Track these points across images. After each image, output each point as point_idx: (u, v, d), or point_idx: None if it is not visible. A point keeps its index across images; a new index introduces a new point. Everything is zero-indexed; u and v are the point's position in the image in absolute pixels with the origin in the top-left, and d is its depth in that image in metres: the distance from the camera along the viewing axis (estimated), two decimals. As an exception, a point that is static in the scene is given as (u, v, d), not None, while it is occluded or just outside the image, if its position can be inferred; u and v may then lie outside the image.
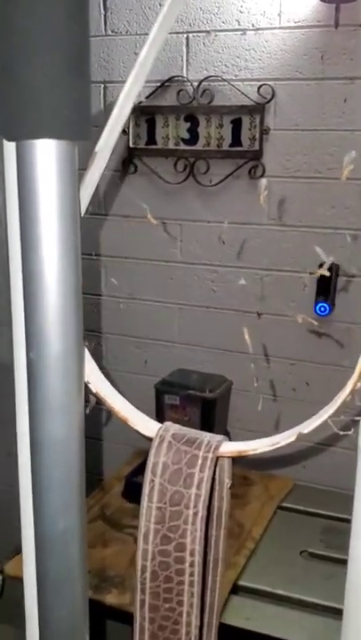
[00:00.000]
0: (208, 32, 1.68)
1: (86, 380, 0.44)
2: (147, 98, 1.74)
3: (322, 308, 1.69)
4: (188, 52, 1.71)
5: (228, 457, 0.42)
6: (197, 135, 1.73)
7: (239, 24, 1.64)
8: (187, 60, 1.71)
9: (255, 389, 1.82)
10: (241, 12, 1.64)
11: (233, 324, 1.82)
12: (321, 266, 1.59)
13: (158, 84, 1.73)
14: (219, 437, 0.43)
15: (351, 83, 1.58)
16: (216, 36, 1.67)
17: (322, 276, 1.68)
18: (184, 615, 0.45)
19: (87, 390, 0.45)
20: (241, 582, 1.38)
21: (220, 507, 0.47)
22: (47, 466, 0.40)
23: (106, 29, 1.78)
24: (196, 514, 0.41)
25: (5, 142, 0.39)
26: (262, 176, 1.69)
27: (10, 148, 0.39)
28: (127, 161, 1.81)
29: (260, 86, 1.64)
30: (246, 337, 1.75)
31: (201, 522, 0.41)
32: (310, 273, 1.67)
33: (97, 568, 1.40)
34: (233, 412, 1.87)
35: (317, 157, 1.64)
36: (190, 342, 1.89)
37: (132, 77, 0.46)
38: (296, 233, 1.70)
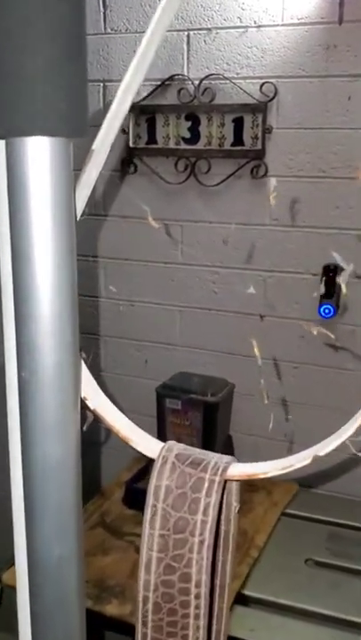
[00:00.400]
0: (209, 29, 1.65)
1: (83, 395, 0.41)
2: (147, 96, 1.71)
3: (326, 310, 1.66)
4: (188, 50, 1.68)
5: (237, 480, 0.39)
6: (199, 134, 1.70)
7: (241, 21, 1.61)
8: (188, 58, 1.68)
9: (258, 392, 1.79)
10: (243, 9, 1.61)
11: (235, 326, 1.78)
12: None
13: (159, 83, 1.70)
14: (227, 459, 0.40)
15: (356, 80, 1.54)
16: (217, 33, 1.64)
17: (326, 278, 1.65)
18: (189, 648, 0.42)
19: (84, 406, 0.42)
20: (245, 591, 1.35)
21: (228, 530, 0.44)
22: (41, 490, 0.37)
23: (105, 27, 1.75)
24: (202, 542, 0.38)
25: (-6, 140, 0.36)
26: (265, 175, 1.66)
27: (-1, 145, 0.36)
28: (127, 161, 1.78)
29: (263, 84, 1.61)
30: (255, 350, 1.72)
31: (207, 550, 0.38)
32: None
33: (97, 577, 1.37)
34: (235, 416, 1.84)
35: (321, 156, 1.61)
36: (191, 345, 1.86)
37: (130, 71, 0.43)
38: (300, 233, 1.67)
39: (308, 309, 1.69)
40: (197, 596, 0.38)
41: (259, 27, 1.60)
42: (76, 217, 0.40)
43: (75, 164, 0.39)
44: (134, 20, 1.72)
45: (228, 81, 1.64)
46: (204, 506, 0.38)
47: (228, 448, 1.86)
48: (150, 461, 0.44)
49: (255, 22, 1.60)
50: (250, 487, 1.71)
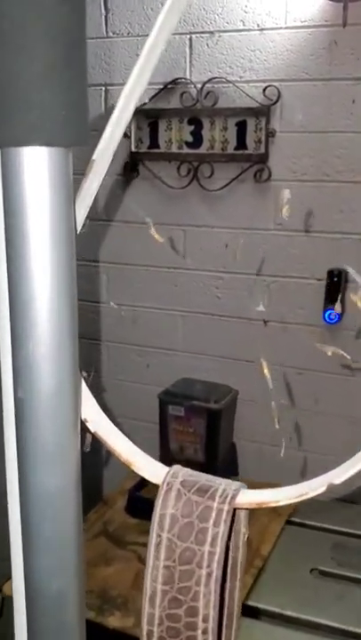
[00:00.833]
0: (212, 33, 1.63)
1: (83, 417, 0.39)
2: (149, 100, 1.69)
3: (330, 316, 1.64)
4: (191, 54, 1.66)
5: (246, 509, 0.37)
6: (201, 138, 1.68)
7: (244, 24, 1.59)
8: (190, 62, 1.66)
9: (262, 399, 1.76)
10: (246, 12, 1.59)
11: (238, 332, 1.76)
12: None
13: (161, 87, 1.68)
14: (235, 485, 0.38)
15: (359, 83, 1.52)
16: (220, 36, 1.62)
17: (330, 283, 1.63)
18: None
19: (84, 428, 0.40)
20: (249, 603, 1.32)
21: (236, 557, 0.42)
22: (39, 521, 0.35)
23: (107, 31, 1.73)
24: (209, 574, 0.36)
25: (-11, 149, 0.34)
26: (268, 180, 1.64)
27: (-6, 155, 0.34)
28: (129, 165, 1.76)
29: (266, 88, 1.59)
30: (265, 371, 1.70)
31: (215, 584, 0.36)
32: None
33: (99, 588, 1.35)
34: (238, 422, 1.82)
35: (325, 160, 1.59)
36: (194, 350, 1.84)
37: (133, 77, 0.41)
38: (304, 238, 1.65)
39: (313, 315, 1.67)
40: (205, 632, 0.36)
41: (262, 30, 1.58)
42: (76, 230, 0.38)
43: (76, 172, 0.37)
44: (136, 24, 1.70)
45: (230, 84, 1.62)
46: (212, 536, 0.36)
47: (231, 455, 1.83)
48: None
49: (258, 25, 1.58)
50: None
